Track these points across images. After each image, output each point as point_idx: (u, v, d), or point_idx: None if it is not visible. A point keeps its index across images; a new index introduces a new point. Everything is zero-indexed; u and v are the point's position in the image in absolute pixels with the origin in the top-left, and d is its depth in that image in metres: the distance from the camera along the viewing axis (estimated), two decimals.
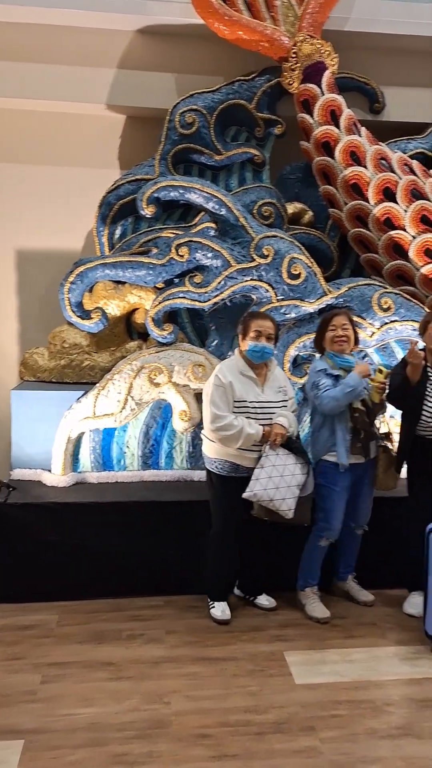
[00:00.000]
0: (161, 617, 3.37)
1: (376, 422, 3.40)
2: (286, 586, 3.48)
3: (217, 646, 3.10)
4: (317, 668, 2.93)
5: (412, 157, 4.39)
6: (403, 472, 3.44)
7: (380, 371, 3.29)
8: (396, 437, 3.47)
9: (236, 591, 3.56)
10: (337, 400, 3.19)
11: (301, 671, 2.90)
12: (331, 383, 3.25)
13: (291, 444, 3.19)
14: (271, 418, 3.23)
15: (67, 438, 3.81)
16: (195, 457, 3.95)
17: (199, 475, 3.75)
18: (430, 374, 3.30)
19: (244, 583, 3.54)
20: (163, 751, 2.38)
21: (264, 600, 3.48)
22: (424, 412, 3.26)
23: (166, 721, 2.55)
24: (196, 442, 3.91)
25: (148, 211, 3.93)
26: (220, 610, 3.35)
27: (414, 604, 3.38)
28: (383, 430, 3.43)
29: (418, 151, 4.45)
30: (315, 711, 2.62)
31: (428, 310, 3.96)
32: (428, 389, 3.27)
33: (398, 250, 4.26)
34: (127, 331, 4.29)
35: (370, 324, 4.11)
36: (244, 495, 3.11)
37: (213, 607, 3.37)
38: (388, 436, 3.42)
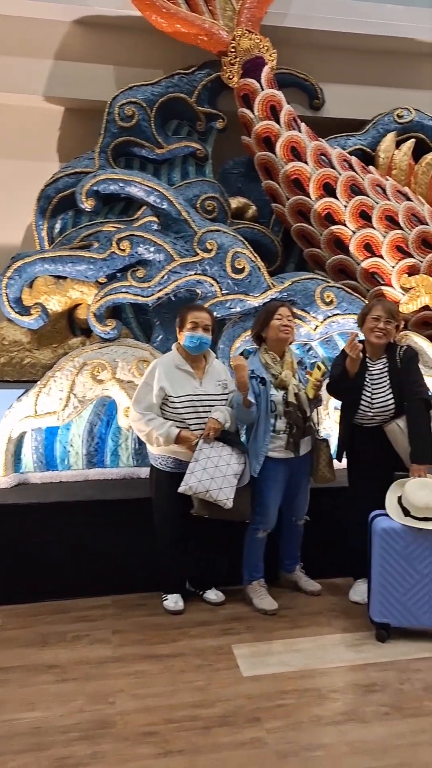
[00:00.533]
0: (108, 617, 3.32)
1: (314, 416, 3.42)
2: (236, 580, 3.48)
3: (164, 643, 3.07)
4: (264, 660, 2.93)
5: (351, 153, 4.47)
6: (344, 462, 3.49)
7: (318, 368, 3.30)
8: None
9: (187, 585, 3.54)
10: (236, 417, 3.24)
11: (249, 663, 2.89)
12: (253, 386, 3.23)
13: (225, 436, 3.18)
14: (211, 412, 3.23)
15: (8, 438, 3.71)
16: (141, 454, 3.91)
17: (146, 472, 3.69)
18: (369, 365, 3.35)
19: (193, 577, 3.53)
20: (108, 751, 2.33)
21: (212, 594, 3.47)
22: (362, 403, 3.31)
23: (110, 721, 2.51)
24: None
25: (87, 205, 3.86)
26: (173, 601, 3.34)
27: (359, 591, 3.44)
28: (326, 422, 3.46)
29: (357, 147, 4.52)
30: (261, 702, 2.61)
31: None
32: (367, 380, 3.32)
33: (339, 244, 4.32)
34: (69, 327, 4.21)
35: (313, 317, 4.16)
36: (180, 489, 3.10)
37: (166, 599, 3.35)
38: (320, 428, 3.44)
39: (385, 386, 3.30)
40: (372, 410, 3.30)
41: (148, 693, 2.68)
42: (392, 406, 3.28)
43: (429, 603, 3.06)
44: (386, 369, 3.32)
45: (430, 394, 3.37)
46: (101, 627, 3.22)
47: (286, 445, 3.27)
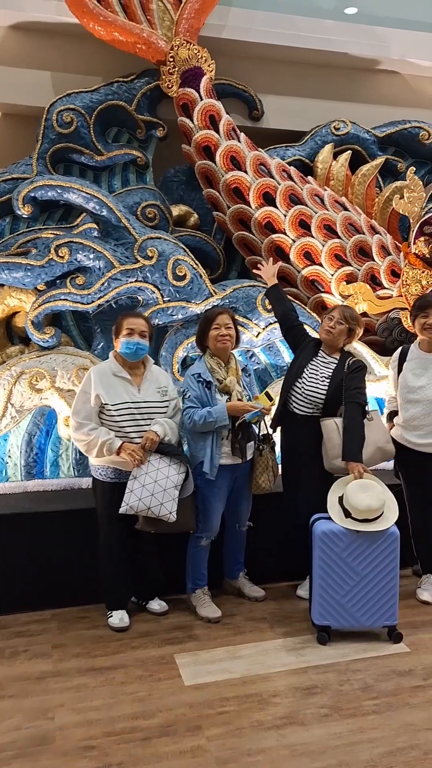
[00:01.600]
0: (48, 631, 3.25)
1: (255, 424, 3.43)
2: (181, 589, 3.46)
3: (105, 656, 3.02)
4: (206, 668, 2.92)
5: (290, 163, 4.54)
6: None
7: (268, 397, 3.32)
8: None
9: (132, 598, 3.49)
10: (194, 424, 3.21)
11: (191, 672, 2.88)
12: (198, 393, 3.24)
13: (164, 449, 3.15)
14: (152, 418, 3.20)
15: None
16: (83, 464, 3.85)
17: (88, 482, 3.64)
18: (318, 354, 3.43)
19: (136, 588, 3.48)
20: (46, 767, 2.28)
21: (155, 605, 3.44)
22: (296, 385, 3.37)
23: (49, 736, 2.45)
24: None
25: (24, 211, 3.80)
26: (118, 618, 3.28)
27: (304, 586, 3.46)
28: (262, 431, 3.46)
29: (295, 158, 4.60)
30: (202, 710, 2.60)
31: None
32: (309, 366, 3.39)
33: (280, 252, 4.39)
34: (7, 335, 4.13)
35: (255, 324, 4.20)
36: (120, 510, 3.07)
37: (111, 616, 3.29)
38: (266, 438, 3.45)
39: (323, 378, 3.37)
40: (303, 396, 3.36)
41: (88, 706, 2.64)
42: (322, 399, 3.35)
43: (368, 604, 3.12)
44: (332, 366, 3.41)
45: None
46: (41, 642, 3.14)
47: (232, 450, 3.28)
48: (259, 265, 3.79)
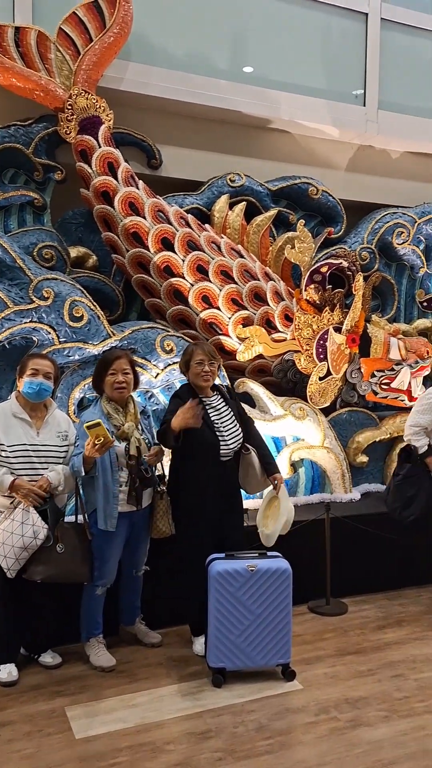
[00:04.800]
0: None
1: (155, 468, 3.41)
2: (76, 638, 3.34)
3: None
4: (99, 719, 2.83)
5: (187, 211, 4.69)
6: None
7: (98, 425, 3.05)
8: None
9: (21, 651, 3.34)
10: (73, 472, 3.16)
11: (82, 725, 2.78)
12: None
13: (40, 507, 3.07)
14: (50, 462, 3.15)
15: None
16: None
17: None
18: (207, 403, 3.40)
19: (27, 641, 3.33)
20: None
21: (48, 657, 3.30)
22: (219, 439, 3.32)
23: None
24: None
25: None
26: (6, 672, 3.12)
27: (202, 643, 3.39)
28: (158, 473, 3.44)
29: (193, 206, 4.76)
30: (93, 763, 2.51)
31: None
32: (212, 418, 3.37)
33: (179, 295, 4.49)
34: None
35: (154, 365, 4.24)
36: None
37: None
38: (162, 479, 3.45)
39: (231, 417, 3.44)
40: (231, 444, 3.37)
41: None
42: (241, 435, 3.42)
43: (263, 643, 3.15)
44: (223, 404, 3.47)
45: None
46: None
47: (127, 498, 3.23)
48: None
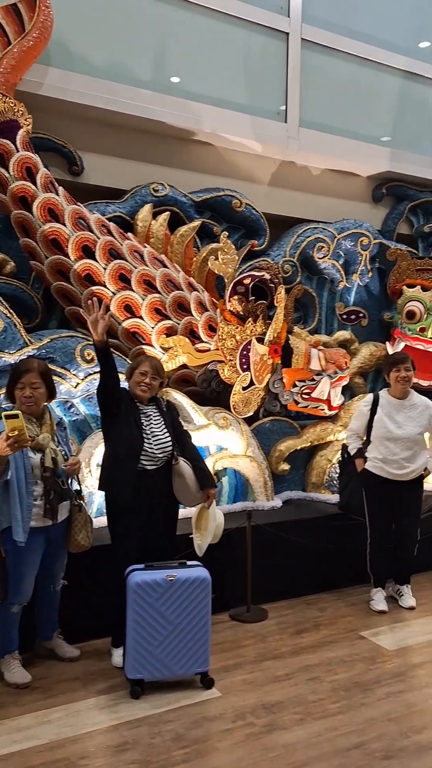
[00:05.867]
0: None
1: (71, 480, 3.34)
2: None
3: None
4: (11, 737, 2.74)
5: (110, 219, 4.66)
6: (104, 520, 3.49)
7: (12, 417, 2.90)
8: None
9: None
10: None
11: None
12: None
13: None
14: None
15: None
16: None
17: None
18: (141, 408, 3.47)
19: None
20: None
21: None
22: (145, 445, 3.35)
23: None
24: None
25: None
26: None
27: (121, 654, 3.38)
28: (75, 487, 3.39)
29: (116, 214, 4.73)
30: None
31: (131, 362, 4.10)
32: (143, 424, 3.41)
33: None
34: None
35: (74, 375, 4.18)
36: None
37: None
38: (79, 494, 3.40)
39: (162, 426, 3.46)
40: (156, 450, 3.37)
41: None
42: (170, 446, 3.43)
43: (181, 653, 3.14)
44: (158, 415, 3.50)
45: None
46: None
47: (43, 512, 3.16)
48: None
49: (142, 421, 3.43)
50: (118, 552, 3.36)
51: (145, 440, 3.37)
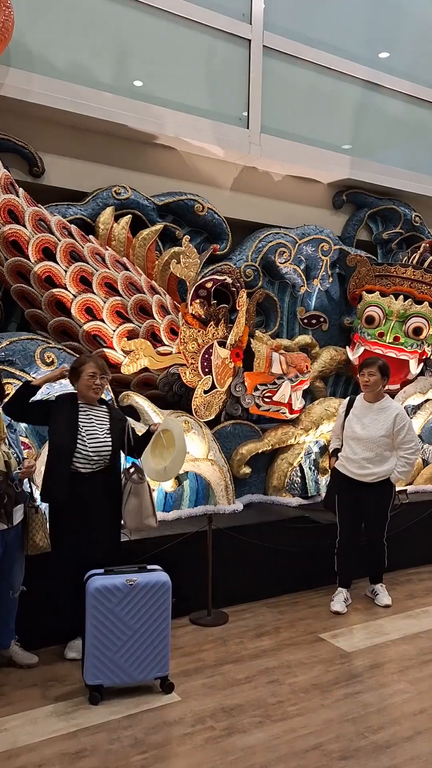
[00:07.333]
0: None
1: (27, 482, 3.32)
2: None
3: None
4: None
5: (71, 221, 4.62)
6: None
7: None
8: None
9: None
10: None
11: None
12: None
13: None
14: None
15: None
16: None
17: None
18: (84, 410, 3.46)
19: None
20: None
21: None
22: (78, 444, 3.34)
23: None
24: None
25: None
26: None
27: (74, 647, 3.38)
28: (28, 489, 3.37)
29: (77, 216, 4.69)
30: None
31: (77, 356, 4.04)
32: (81, 424, 3.40)
33: (61, 307, 4.40)
34: None
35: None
36: None
37: None
38: (32, 496, 3.37)
39: (104, 429, 3.44)
40: (91, 452, 3.35)
41: None
42: (109, 449, 3.40)
43: (141, 657, 3.13)
44: (104, 418, 3.48)
45: None
46: None
47: None
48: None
49: (80, 422, 3.42)
50: (55, 555, 3.37)
51: (79, 441, 3.36)
